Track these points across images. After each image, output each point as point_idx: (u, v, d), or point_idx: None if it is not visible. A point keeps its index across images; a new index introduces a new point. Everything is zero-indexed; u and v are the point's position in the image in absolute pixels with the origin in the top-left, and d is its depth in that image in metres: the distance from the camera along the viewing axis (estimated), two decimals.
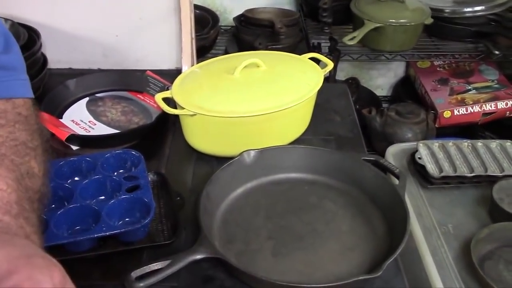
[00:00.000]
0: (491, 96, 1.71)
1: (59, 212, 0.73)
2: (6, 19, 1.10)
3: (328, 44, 1.63)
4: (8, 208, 0.53)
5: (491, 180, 0.98)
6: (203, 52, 1.54)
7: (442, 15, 1.64)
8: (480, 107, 1.68)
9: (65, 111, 1.03)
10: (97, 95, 1.08)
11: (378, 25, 1.52)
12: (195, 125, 0.91)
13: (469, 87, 1.76)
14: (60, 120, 1.00)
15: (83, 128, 0.98)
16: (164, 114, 0.94)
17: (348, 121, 1.06)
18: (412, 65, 1.94)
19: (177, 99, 0.89)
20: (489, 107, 1.68)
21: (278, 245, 0.77)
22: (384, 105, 1.97)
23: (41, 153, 0.62)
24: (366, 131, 1.54)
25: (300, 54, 1.05)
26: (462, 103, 1.70)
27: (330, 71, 1.10)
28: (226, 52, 1.66)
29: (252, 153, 0.86)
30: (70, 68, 1.22)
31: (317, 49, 1.61)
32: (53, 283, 0.45)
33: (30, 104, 0.64)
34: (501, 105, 1.68)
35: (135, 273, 0.67)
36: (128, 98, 1.08)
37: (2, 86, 0.62)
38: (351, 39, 1.50)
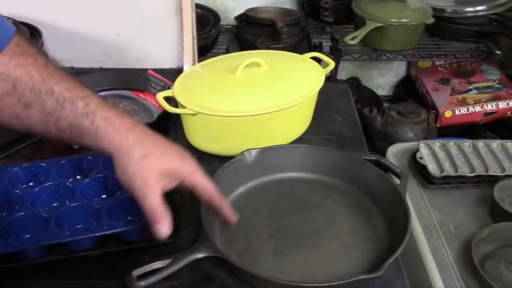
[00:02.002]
0: (492, 96, 1.71)
1: (60, 211, 0.73)
2: (8, 18, 1.10)
3: (330, 44, 1.63)
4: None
5: (492, 180, 0.98)
6: (204, 51, 1.54)
7: (443, 14, 1.64)
8: (481, 107, 1.68)
9: None
10: (98, 94, 1.08)
11: (380, 24, 1.52)
12: (197, 124, 0.91)
13: (471, 87, 1.76)
14: None
15: None
16: (165, 113, 0.94)
17: (349, 121, 1.06)
18: (413, 64, 1.94)
19: (179, 98, 0.89)
20: (490, 107, 1.68)
21: (279, 245, 0.77)
22: (385, 104, 1.97)
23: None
24: (367, 130, 1.54)
25: (301, 53, 1.05)
26: (463, 103, 1.70)
27: (331, 71, 1.10)
28: (227, 51, 1.66)
29: (253, 152, 0.86)
30: (71, 67, 1.22)
31: (318, 48, 1.61)
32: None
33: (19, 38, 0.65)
34: (502, 105, 1.68)
35: (136, 272, 0.67)
36: (130, 97, 1.08)
37: None
38: (353, 38, 1.50)
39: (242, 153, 0.85)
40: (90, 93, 0.65)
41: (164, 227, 0.64)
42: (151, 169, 0.64)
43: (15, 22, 1.09)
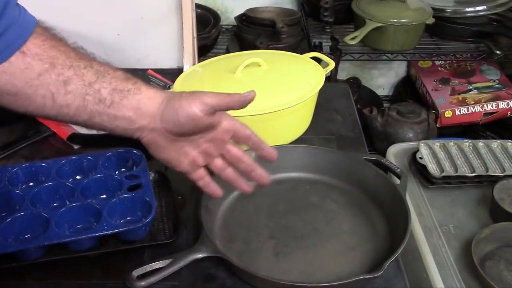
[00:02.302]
0: (492, 96, 1.71)
1: (60, 211, 0.73)
2: None
3: (330, 44, 1.63)
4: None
5: (492, 180, 0.98)
6: (204, 51, 1.55)
7: (443, 15, 1.64)
8: (481, 107, 1.68)
9: None
10: None
11: (380, 24, 1.52)
12: None
13: (471, 87, 1.76)
14: None
15: None
16: None
17: (349, 121, 1.06)
18: (414, 64, 1.94)
19: None
20: (490, 107, 1.68)
21: (279, 244, 0.77)
22: (385, 104, 1.97)
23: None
24: (367, 130, 1.54)
25: (301, 53, 1.05)
26: (463, 103, 1.70)
27: (331, 71, 1.10)
28: (228, 51, 1.66)
29: (253, 152, 0.86)
30: None
31: (318, 48, 1.61)
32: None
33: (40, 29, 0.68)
34: (502, 105, 1.68)
35: (136, 272, 0.67)
36: None
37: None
38: (353, 38, 1.50)
39: None
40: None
41: (250, 94, 0.69)
42: (197, 107, 0.66)
43: None
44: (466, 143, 1.07)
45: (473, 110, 1.68)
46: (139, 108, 0.66)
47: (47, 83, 0.63)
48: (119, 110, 0.66)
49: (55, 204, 0.77)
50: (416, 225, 0.94)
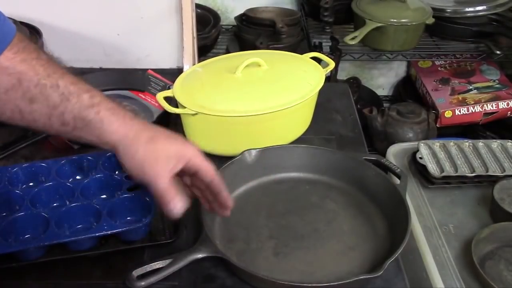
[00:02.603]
0: (492, 96, 1.71)
1: (60, 211, 0.73)
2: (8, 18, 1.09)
3: (329, 44, 1.63)
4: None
5: (492, 180, 0.98)
6: (204, 51, 1.54)
7: (443, 15, 1.64)
8: (481, 107, 1.68)
9: None
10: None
11: (380, 24, 1.52)
12: (197, 124, 0.91)
13: (471, 87, 1.76)
14: None
15: None
16: (165, 113, 0.94)
17: (349, 121, 1.06)
18: (413, 64, 1.94)
19: (179, 98, 0.89)
20: (490, 107, 1.67)
21: (279, 245, 0.77)
22: (385, 104, 1.97)
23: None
24: (367, 130, 1.54)
25: (301, 53, 1.05)
26: (463, 103, 1.70)
27: (331, 71, 1.10)
28: (227, 51, 1.66)
29: (253, 152, 0.86)
30: (71, 67, 1.21)
31: (318, 48, 1.61)
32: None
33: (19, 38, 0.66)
34: (502, 105, 1.68)
35: (136, 272, 0.67)
36: (130, 97, 1.08)
37: None
38: (353, 38, 1.50)
39: (242, 153, 0.85)
40: (93, 88, 0.67)
41: (177, 205, 0.65)
42: (159, 151, 0.65)
43: (15, 22, 1.09)
44: (466, 143, 1.07)
45: (473, 110, 1.68)
46: (101, 136, 0.66)
47: (14, 98, 0.63)
48: (83, 133, 0.66)
49: (55, 204, 0.77)
50: (416, 225, 0.94)
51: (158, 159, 0.65)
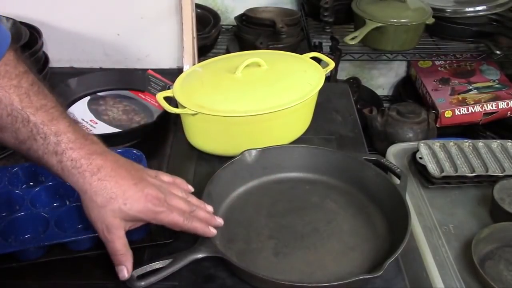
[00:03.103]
0: (492, 96, 1.71)
1: (60, 211, 0.73)
2: (7, 18, 1.10)
3: (329, 44, 1.63)
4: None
5: (492, 180, 0.98)
6: (204, 51, 1.55)
7: (443, 15, 1.64)
8: (481, 107, 1.68)
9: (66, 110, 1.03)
10: (98, 94, 1.08)
11: (380, 24, 1.52)
12: (197, 124, 0.91)
13: (470, 87, 1.76)
14: None
15: (84, 127, 0.98)
16: (165, 113, 0.94)
17: (349, 121, 1.06)
18: (413, 64, 1.94)
19: (179, 98, 0.89)
20: (490, 107, 1.68)
21: (279, 245, 0.77)
22: (385, 104, 1.97)
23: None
24: (367, 130, 1.54)
25: (301, 53, 1.05)
26: (463, 103, 1.70)
27: (331, 71, 1.10)
28: (227, 51, 1.66)
29: (253, 152, 0.86)
30: (71, 67, 1.23)
31: (318, 48, 1.61)
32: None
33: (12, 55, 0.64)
34: (502, 105, 1.68)
35: (136, 272, 0.67)
36: (130, 97, 1.08)
37: None
38: (352, 38, 1.50)
39: (242, 153, 0.85)
40: (66, 127, 0.64)
41: (124, 270, 0.66)
42: (113, 216, 0.65)
43: (15, 22, 1.09)
44: (466, 143, 1.08)
45: (473, 110, 1.68)
46: (64, 180, 0.66)
47: None
48: (49, 170, 0.66)
49: (55, 204, 0.77)
50: (416, 225, 0.94)
51: (111, 225, 0.65)
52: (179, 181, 0.76)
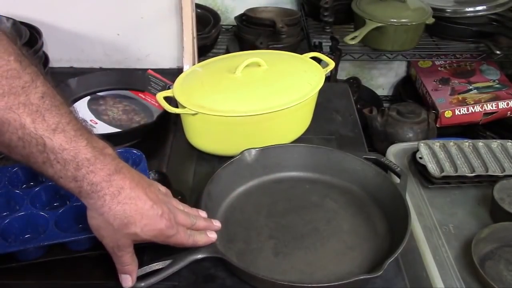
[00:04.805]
0: (492, 96, 1.71)
1: (60, 211, 0.73)
2: (8, 18, 1.10)
3: (329, 44, 1.63)
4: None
5: (492, 180, 0.98)
6: (204, 51, 1.55)
7: (443, 14, 1.64)
8: (481, 107, 1.68)
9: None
10: (98, 94, 1.08)
11: (380, 24, 1.52)
12: (197, 124, 0.91)
13: (470, 87, 1.77)
14: None
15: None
16: (165, 113, 0.94)
17: (349, 121, 1.06)
18: (413, 64, 1.94)
19: (179, 98, 0.89)
20: (490, 107, 1.68)
21: (279, 244, 0.77)
22: (385, 104, 1.97)
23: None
24: (367, 130, 1.55)
25: (301, 53, 1.05)
26: (463, 103, 1.70)
27: (331, 71, 1.10)
28: (227, 51, 1.67)
29: (253, 152, 0.86)
30: (71, 67, 1.23)
31: (318, 48, 1.62)
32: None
33: None
34: (502, 105, 1.68)
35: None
36: (130, 97, 1.08)
37: None
38: (352, 38, 1.50)
39: (242, 152, 0.85)
40: (84, 146, 0.58)
41: (129, 280, 0.66)
42: (127, 239, 0.64)
43: (15, 22, 1.09)
44: (466, 143, 1.07)
45: (473, 110, 1.68)
46: (79, 198, 0.62)
47: None
48: (61, 188, 0.62)
49: (55, 204, 0.77)
50: (416, 225, 0.94)
51: (122, 246, 0.64)
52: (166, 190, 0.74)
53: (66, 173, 0.58)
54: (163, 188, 0.73)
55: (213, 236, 0.72)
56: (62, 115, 0.57)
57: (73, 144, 0.57)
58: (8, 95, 0.53)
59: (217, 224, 0.74)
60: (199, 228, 0.71)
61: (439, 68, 1.87)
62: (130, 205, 0.62)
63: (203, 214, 0.74)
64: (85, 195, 0.60)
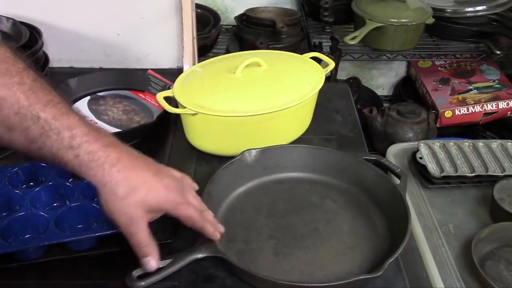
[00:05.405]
0: (492, 96, 1.71)
1: (60, 211, 0.73)
2: (8, 18, 1.10)
3: (329, 44, 1.63)
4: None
5: (492, 180, 0.98)
6: (204, 51, 1.55)
7: (443, 14, 1.64)
8: (481, 107, 1.68)
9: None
10: (98, 94, 1.08)
11: (380, 24, 1.52)
12: (197, 124, 0.91)
13: (470, 87, 1.76)
14: None
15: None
16: (165, 113, 0.94)
17: (349, 121, 1.06)
18: (413, 64, 1.94)
19: (179, 98, 0.89)
20: (490, 107, 1.68)
21: (279, 244, 0.77)
22: (385, 104, 1.97)
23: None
24: (367, 130, 1.54)
25: (301, 53, 1.05)
26: (463, 103, 1.70)
27: (331, 71, 1.10)
28: (227, 51, 1.66)
29: (253, 152, 0.86)
30: (71, 67, 1.23)
31: (318, 48, 1.61)
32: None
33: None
34: (502, 105, 1.68)
35: (136, 272, 0.67)
36: (130, 97, 1.08)
37: None
38: (352, 38, 1.50)
39: (242, 153, 0.85)
40: (77, 121, 0.63)
41: (151, 261, 0.66)
42: (136, 207, 0.64)
43: (15, 22, 1.09)
44: (466, 143, 1.07)
45: (473, 110, 1.68)
46: (81, 175, 0.64)
47: None
48: (64, 167, 0.64)
49: (55, 204, 0.77)
50: (416, 225, 0.94)
51: (134, 216, 0.64)
52: (186, 178, 0.75)
53: (62, 143, 0.61)
54: (177, 174, 0.73)
55: (221, 229, 0.72)
56: (53, 96, 0.63)
57: (65, 117, 0.62)
58: (3, 76, 0.60)
59: (221, 227, 0.73)
60: (207, 219, 0.71)
61: (439, 68, 1.87)
62: (131, 172, 0.63)
63: (212, 213, 0.74)
64: (85, 167, 0.62)
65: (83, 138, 0.62)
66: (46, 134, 0.61)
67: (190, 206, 0.68)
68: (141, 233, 0.65)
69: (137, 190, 0.63)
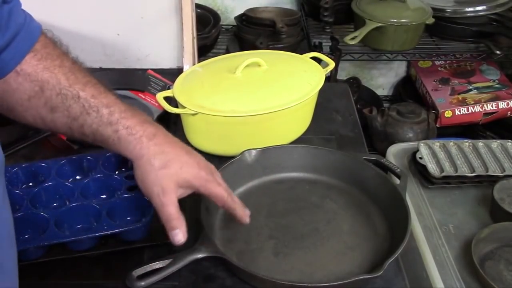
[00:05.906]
0: (492, 96, 1.71)
1: (60, 211, 0.73)
2: None
3: (329, 44, 1.63)
4: None
5: (492, 180, 0.98)
6: (204, 51, 1.55)
7: (443, 15, 1.64)
8: (481, 107, 1.68)
9: None
10: (120, 99, 1.08)
11: (380, 24, 1.52)
12: (197, 124, 0.91)
13: (470, 87, 1.76)
14: None
15: None
16: (165, 113, 0.94)
17: (349, 121, 1.06)
18: (413, 64, 1.94)
19: (179, 98, 0.89)
20: (490, 107, 1.68)
21: (279, 244, 0.77)
22: (385, 104, 1.97)
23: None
24: (367, 130, 1.54)
25: (301, 53, 1.05)
26: (463, 103, 1.70)
27: (331, 71, 1.10)
28: (227, 51, 1.66)
29: (253, 152, 0.86)
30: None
31: (318, 48, 1.61)
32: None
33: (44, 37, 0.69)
34: (502, 105, 1.68)
35: (136, 272, 0.67)
36: (130, 97, 1.08)
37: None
38: (352, 38, 1.50)
39: (242, 153, 0.85)
40: (114, 99, 0.68)
41: (179, 234, 0.67)
42: (170, 180, 0.66)
43: None
44: (466, 143, 1.07)
45: (473, 110, 1.68)
46: (119, 151, 0.68)
47: (37, 106, 0.65)
48: (102, 145, 0.68)
49: (55, 204, 0.77)
50: (416, 225, 0.94)
51: (167, 188, 0.66)
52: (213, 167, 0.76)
53: (101, 120, 0.66)
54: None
55: (248, 213, 0.73)
56: (91, 77, 0.69)
57: (104, 95, 0.67)
58: (45, 60, 0.66)
59: (248, 211, 0.74)
60: (236, 201, 0.72)
61: (439, 68, 1.87)
62: (166, 147, 0.67)
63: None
64: (124, 141, 0.66)
65: (121, 115, 0.67)
66: (86, 112, 0.65)
67: (220, 186, 0.70)
68: (171, 206, 0.66)
69: (171, 163, 0.66)
